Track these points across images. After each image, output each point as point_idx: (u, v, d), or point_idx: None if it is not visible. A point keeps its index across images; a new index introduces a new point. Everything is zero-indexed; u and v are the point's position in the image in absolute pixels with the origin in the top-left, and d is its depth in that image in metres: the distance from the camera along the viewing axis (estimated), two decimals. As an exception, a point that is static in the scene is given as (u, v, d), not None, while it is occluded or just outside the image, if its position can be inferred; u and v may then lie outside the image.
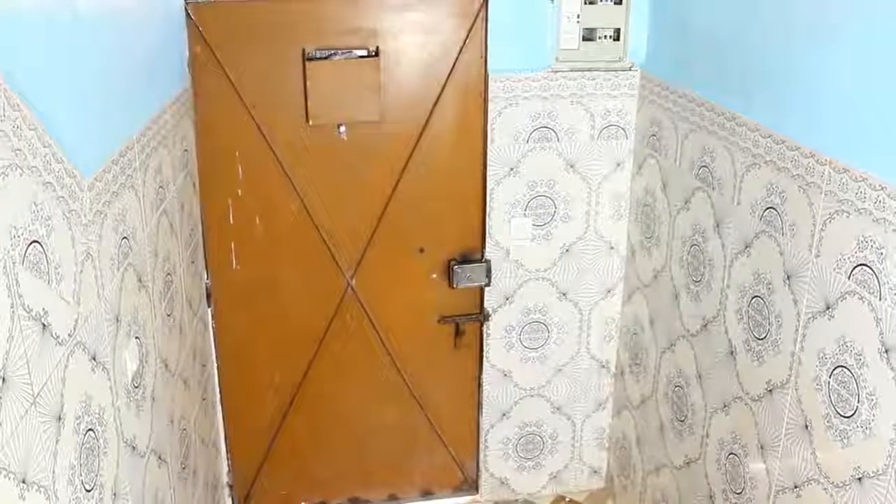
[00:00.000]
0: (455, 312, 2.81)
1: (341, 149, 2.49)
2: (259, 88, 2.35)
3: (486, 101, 2.54)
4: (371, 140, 2.51)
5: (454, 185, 2.64)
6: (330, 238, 2.59)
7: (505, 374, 3.04)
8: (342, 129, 2.46)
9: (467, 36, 2.44)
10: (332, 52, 2.38)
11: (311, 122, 2.40)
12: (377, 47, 2.39)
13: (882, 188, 1.51)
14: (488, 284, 2.78)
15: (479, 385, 2.97)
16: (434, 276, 2.73)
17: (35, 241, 1.08)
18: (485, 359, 2.93)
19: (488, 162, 2.71)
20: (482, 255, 2.73)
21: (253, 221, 2.49)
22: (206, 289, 2.48)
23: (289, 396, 2.73)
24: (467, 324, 2.85)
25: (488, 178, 2.74)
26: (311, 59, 2.34)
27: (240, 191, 2.45)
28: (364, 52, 2.40)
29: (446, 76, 2.48)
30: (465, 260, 2.72)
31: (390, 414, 2.91)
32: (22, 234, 1.04)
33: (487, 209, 2.74)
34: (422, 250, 2.69)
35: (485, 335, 2.89)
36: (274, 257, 2.56)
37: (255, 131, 2.39)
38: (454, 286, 2.70)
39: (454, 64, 2.46)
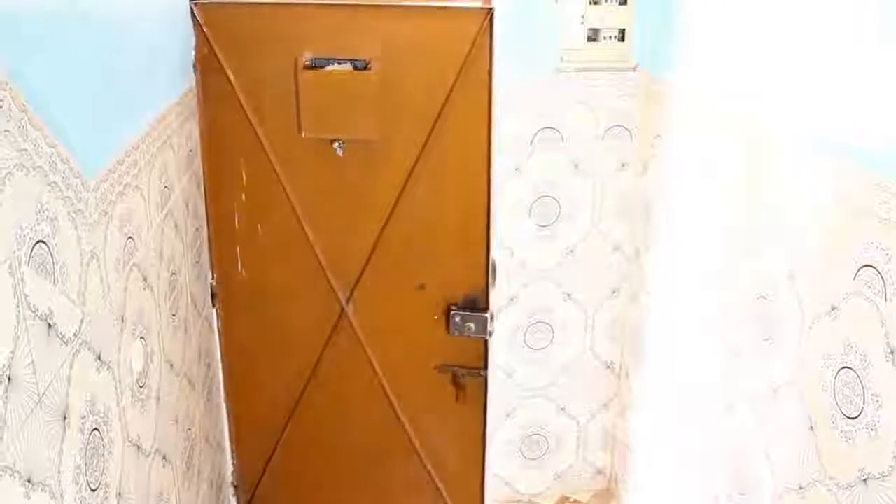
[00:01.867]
0: (454, 362, 2.49)
1: (337, 165, 2.33)
2: (259, 94, 2.28)
3: (490, 122, 2.27)
4: (368, 159, 2.33)
5: (458, 216, 2.36)
6: (324, 258, 2.44)
7: (509, 375, 3.04)
8: (336, 144, 2.29)
9: (470, 51, 2.22)
10: (327, 61, 2.23)
11: (303, 134, 2.28)
12: (368, 60, 2.21)
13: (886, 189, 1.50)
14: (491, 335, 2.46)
15: (485, 446, 2.64)
16: (436, 317, 2.45)
17: (40, 241, 1.08)
18: (488, 419, 2.57)
19: (492, 163, 2.71)
20: (487, 304, 2.39)
21: (256, 228, 2.44)
22: (212, 289, 2.48)
23: (287, 412, 2.67)
24: (468, 378, 2.50)
25: (491, 181, 2.73)
26: (306, 69, 2.23)
27: (244, 196, 2.40)
28: (358, 65, 2.22)
29: (447, 94, 2.25)
30: (469, 306, 2.40)
31: (387, 457, 2.69)
32: (27, 234, 1.04)
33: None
34: (422, 287, 2.41)
35: (489, 393, 2.55)
36: (274, 267, 2.50)
37: (255, 138, 2.32)
38: (451, 334, 2.41)
39: (455, 81, 2.24)
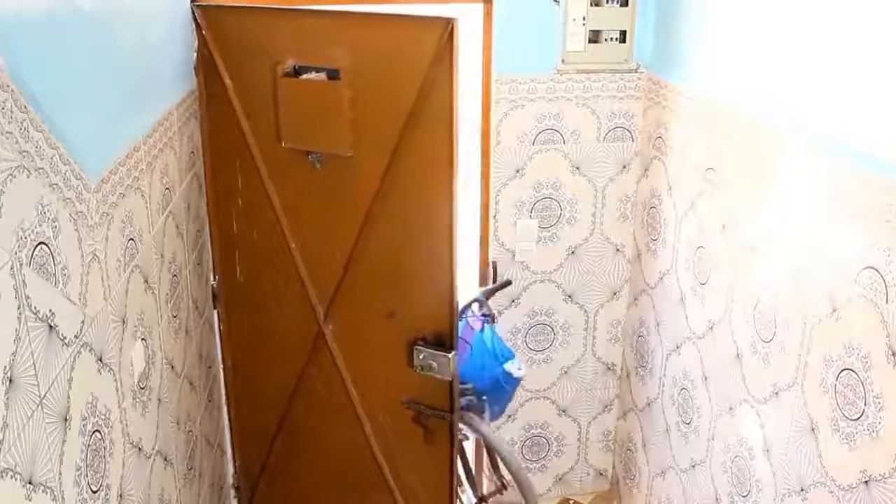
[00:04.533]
0: (420, 399, 2.29)
1: (315, 178, 2.21)
2: (251, 100, 2.22)
3: (451, 139, 1.99)
4: (342, 174, 2.18)
5: (423, 247, 2.17)
6: (305, 272, 2.35)
7: (510, 376, 3.04)
8: (311, 157, 2.17)
9: (430, 64, 1.98)
10: (308, 69, 2.10)
11: (283, 144, 2.18)
12: (338, 70, 2.05)
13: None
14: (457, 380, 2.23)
15: (453, 494, 2.39)
16: (404, 349, 2.27)
17: (42, 243, 1.09)
18: (454, 468, 2.34)
19: (493, 166, 2.72)
20: (452, 344, 2.17)
21: (251, 234, 2.39)
22: (213, 290, 2.48)
23: (278, 419, 2.63)
24: (432, 419, 2.27)
25: (492, 182, 2.74)
26: (285, 76, 2.12)
27: (240, 201, 2.36)
28: (333, 74, 2.07)
29: (408, 112, 2.03)
30: (436, 342, 2.19)
31: (359, 484, 2.55)
32: (29, 236, 1.04)
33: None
34: (392, 315, 2.23)
35: (456, 439, 2.29)
36: (264, 275, 2.43)
37: (246, 144, 2.26)
38: (414, 369, 2.22)
39: (418, 95, 2.02)
